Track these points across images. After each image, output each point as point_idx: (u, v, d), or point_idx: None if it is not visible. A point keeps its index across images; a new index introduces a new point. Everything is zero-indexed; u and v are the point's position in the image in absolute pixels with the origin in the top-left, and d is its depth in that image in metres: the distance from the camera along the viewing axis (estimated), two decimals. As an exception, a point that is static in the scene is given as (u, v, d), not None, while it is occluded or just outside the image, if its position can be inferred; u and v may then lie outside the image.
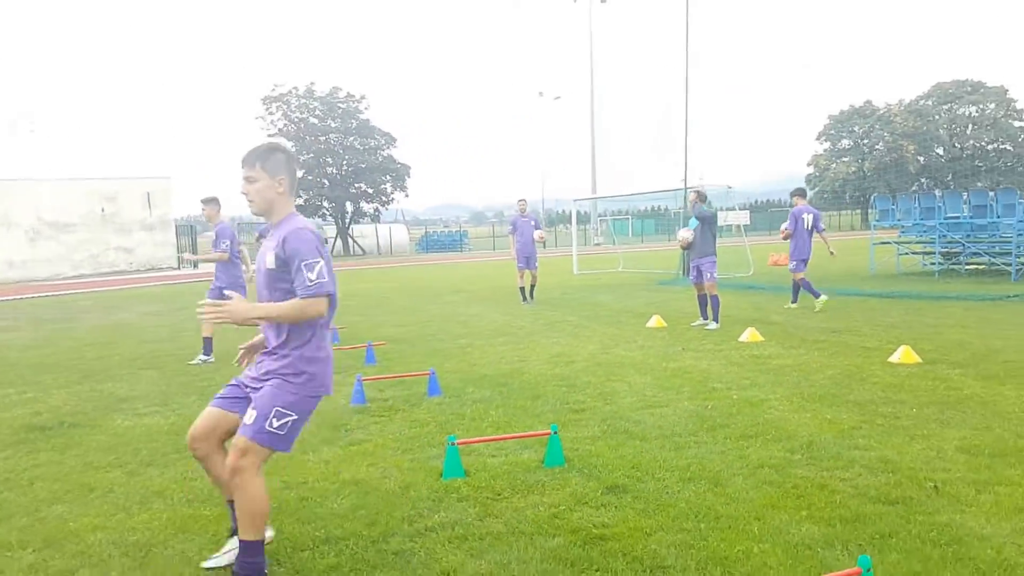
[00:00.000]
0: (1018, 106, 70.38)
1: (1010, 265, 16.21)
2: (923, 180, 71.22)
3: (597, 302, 14.66)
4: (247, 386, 3.32)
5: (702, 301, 10.75)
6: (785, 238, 12.43)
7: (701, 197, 11.10)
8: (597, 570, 3.32)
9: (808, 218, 12.23)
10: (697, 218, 10.73)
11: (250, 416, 3.15)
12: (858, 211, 71.82)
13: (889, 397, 6.15)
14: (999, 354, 7.76)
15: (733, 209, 23.19)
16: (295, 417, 3.18)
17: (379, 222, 53.20)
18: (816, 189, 72.15)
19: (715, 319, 10.42)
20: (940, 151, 72.38)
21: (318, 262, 3.13)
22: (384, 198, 50.86)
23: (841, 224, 69.22)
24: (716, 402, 6.16)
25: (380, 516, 3.99)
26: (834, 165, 70.68)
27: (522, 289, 14.60)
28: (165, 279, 26.88)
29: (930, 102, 71.57)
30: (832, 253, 13.18)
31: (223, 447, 3.33)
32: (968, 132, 71.84)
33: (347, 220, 50.78)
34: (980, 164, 70.70)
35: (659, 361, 8.04)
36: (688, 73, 19.99)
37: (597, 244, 48.55)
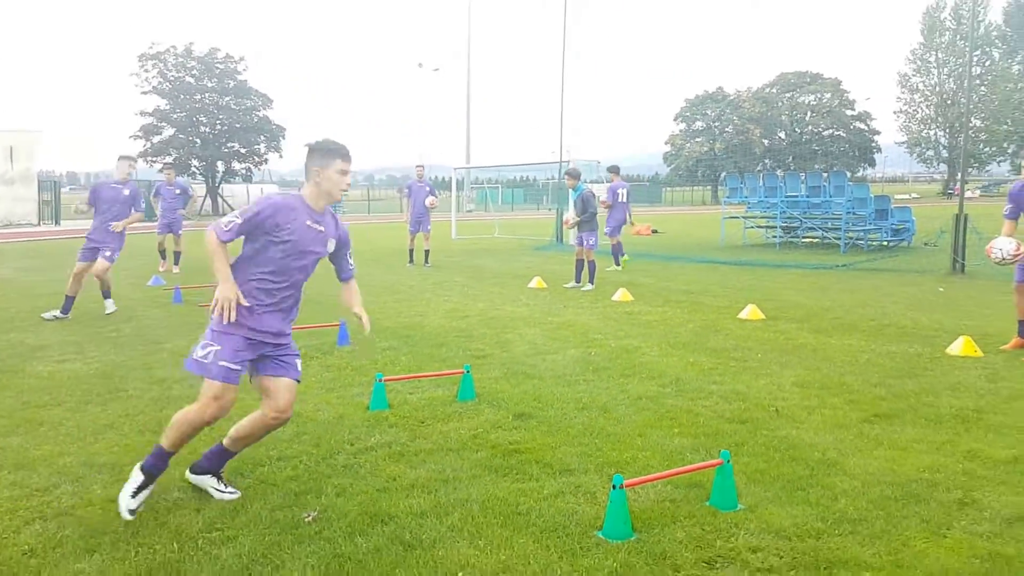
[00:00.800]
0: (850, 96, 76.74)
1: (839, 239, 18.31)
2: (767, 161, 76.53)
3: (479, 265, 15.39)
4: (265, 343, 3.63)
5: (579, 266, 11.70)
6: (606, 208, 14.26)
7: (574, 175, 11.99)
8: (517, 474, 4.05)
9: (623, 192, 14.39)
10: (579, 196, 11.57)
11: (297, 366, 3.75)
12: (709, 188, 76.31)
13: (739, 345, 7.25)
14: (828, 312, 9.13)
15: (600, 182, 24.53)
16: None
17: (251, 182, 51.72)
18: (672, 166, 76.10)
19: (591, 281, 11.40)
20: (782, 135, 77.93)
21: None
22: (257, 158, 49.70)
23: (694, 199, 73.37)
24: (598, 349, 7.05)
25: (323, 440, 4.55)
26: (689, 145, 74.58)
27: (411, 252, 15.03)
28: (28, 235, 25.24)
29: (774, 90, 76.80)
30: (631, 224, 14.98)
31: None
32: (807, 119, 77.68)
33: (217, 179, 49.17)
34: (817, 148, 76.68)
35: (544, 316, 8.89)
36: (565, 54, 20.91)
37: (469, 211, 49.27)
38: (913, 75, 76.34)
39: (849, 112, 76.96)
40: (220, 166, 49.32)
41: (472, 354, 6.81)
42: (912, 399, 5.41)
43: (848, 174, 19.94)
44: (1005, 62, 76.89)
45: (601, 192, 15.37)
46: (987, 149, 75.38)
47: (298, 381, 3.76)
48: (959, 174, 16.41)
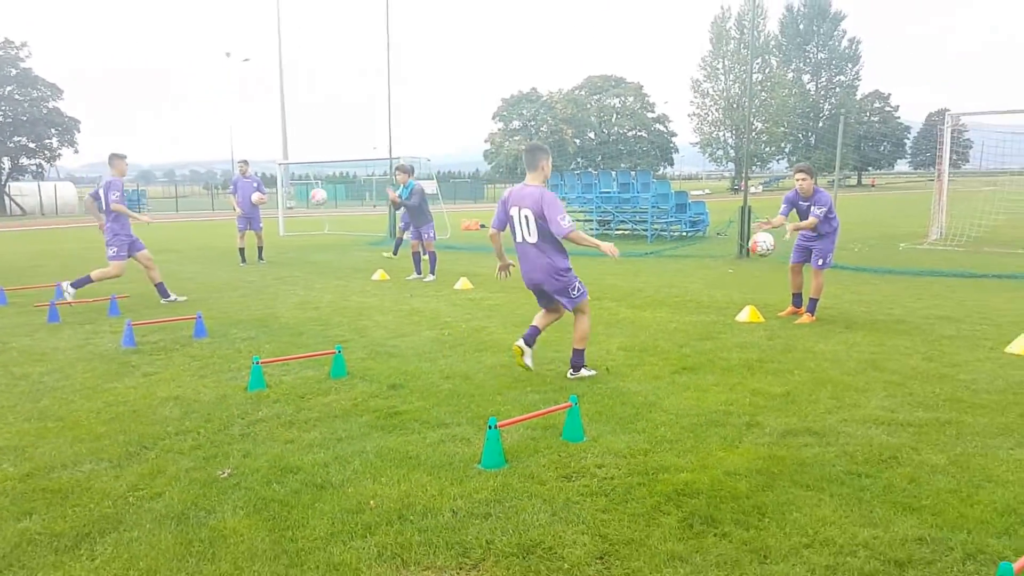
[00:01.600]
0: (651, 100, 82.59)
1: (646, 230, 20.21)
2: (580, 160, 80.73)
3: (317, 260, 15.64)
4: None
5: (416, 258, 12.34)
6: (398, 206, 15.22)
7: (406, 170, 12.39)
8: (401, 430, 4.70)
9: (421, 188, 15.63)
10: (411, 192, 12.07)
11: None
12: (526, 185, 79.24)
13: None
14: (641, 292, 10.43)
15: (432, 178, 25.30)
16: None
17: (43, 180, 47.49)
18: (493, 164, 78.28)
19: (432, 272, 12.09)
20: (592, 135, 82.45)
21: None
22: (49, 153, 45.69)
23: (512, 197, 75.90)
24: (450, 331, 7.79)
25: (213, 416, 4.97)
26: (507, 143, 77.13)
27: (241, 251, 14.84)
28: None
29: (583, 92, 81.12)
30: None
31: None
32: (614, 120, 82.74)
33: (3, 177, 44.73)
34: (623, 148, 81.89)
35: (394, 305, 9.50)
36: (389, 53, 21.39)
37: (289, 208, 48.21)
38: (704, 81, 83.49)
39: (650, 115, 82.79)
40: (6, 163, 45.07)
41: (333, 339, 7.31)
42: (710, 355, 6.60)
43: (652, 173, 21.90)
44: (782, 69, 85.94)
45: (429, 187, 16.13)
46: (767, 149, 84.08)
47: None
48: (743, 171, 18.66)
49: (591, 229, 21.96)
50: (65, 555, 3.13)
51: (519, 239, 5.71)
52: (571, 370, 5.89)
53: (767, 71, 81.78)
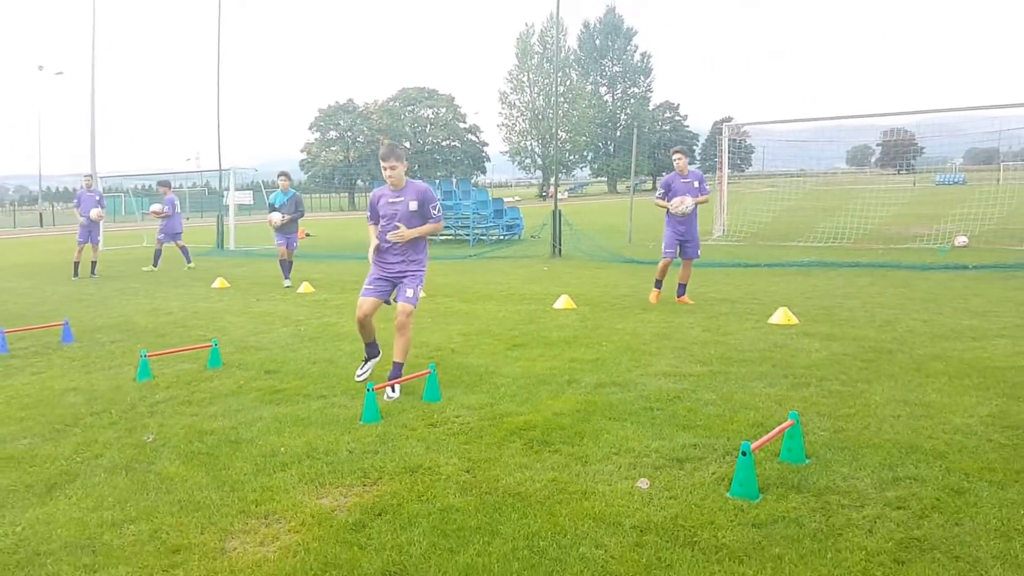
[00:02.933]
0: (462, 111, 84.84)
1: (468, 235, 21.60)
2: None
3: (150, 273, 15.53)
4: (389, 279, 6.01)
5: (284, 265, 12.75)
6: (164, 217, 16.12)
7: (289, 176, 13.10)
8: (287, 402, 5.56)
9: (177, 203, 16.49)
10: (292, 198, 12.53)
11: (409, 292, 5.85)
12: (346, 194, 78.82)
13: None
14: (470, 288, 11.68)
15: (244, 189, 25.21)
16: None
17: None
18: (310, 174, 77.10)
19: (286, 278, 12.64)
20: (408, 145, 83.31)
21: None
22: None
23: (331, 205, 75.32)
24: (305, 326, 8.61)
25: (115, 401, 5.58)
26: (324, 153, 76.29)
27: (76, 264, 14.62)
28: None
29: (398, 103, 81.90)
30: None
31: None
32: (428, 131, 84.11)
33: None
34: (438, 157, 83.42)
35: (244, 308, 10.10)
36: (219, 64, 21.27)
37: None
38: (511, 93, 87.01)
39: (462, 125, 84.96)
40: None
41: (196, 339, 7.91)
42: (534, 335, 7.92)
43: (471, 182, 23.34)
44: (582, 82, 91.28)
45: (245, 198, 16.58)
46: (571, 157, 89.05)
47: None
48: (551, 178, 20.46)
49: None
50: (45, 497, 3.82)
51: None
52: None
53: (568, 83, 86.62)
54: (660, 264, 9.92)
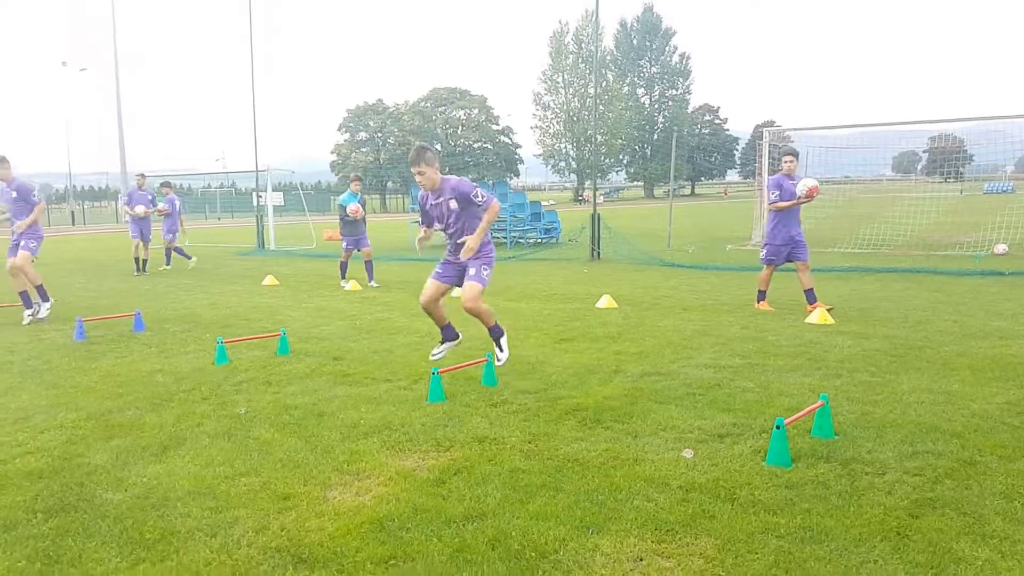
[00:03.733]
0: (495, 112, 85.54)
1: (505, 238, 22.13)
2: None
3: (195, 270, 16.29)
4: (456, 265, 6.14)
5: (343, 267, 13.04)
6: (165, 215, 16.54)
7: (358, 179, 13.36)
8: (358, 384, 6.09)
9: (178, 202, 17.06)
10: (359, 200, 12.81)
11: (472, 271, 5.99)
12: (377, 196, 79.93)
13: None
14: (512, 288, 12.19)
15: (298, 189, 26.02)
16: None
17: None
18: (340, 175, 78.28)
19: (371, 279, 12.87)
20: (439, 147, 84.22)
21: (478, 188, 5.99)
22: None
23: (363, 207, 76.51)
24: (359, 321, 9.19)
25: (201, 380, 6.18)
26: (354, 154, 77.49)
27: (137, 260, 15.49)
28: None
29: (429, 104, 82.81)
30: (184, 231, 17.75)
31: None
32: (459, 132, 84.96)
33: None
34: (469, 159, 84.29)
35: (297, 304, 10.77)
36: (253, 62, 22.11)
37: (127, 221, 46.66)
38: (545, 94, 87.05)
39: (495, 127, 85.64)
40: None
41: (260, 330, 8.51)
42: (580, 330, 8.40)
43: (508, 184, 23.86)
44: (618, 83, 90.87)
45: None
46: (607, 160, 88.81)
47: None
48: (586, 182, 20.88)
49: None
50: (161, 456, 4.40)
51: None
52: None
53: (604, 85, 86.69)
54: (763, 274, 9.66)
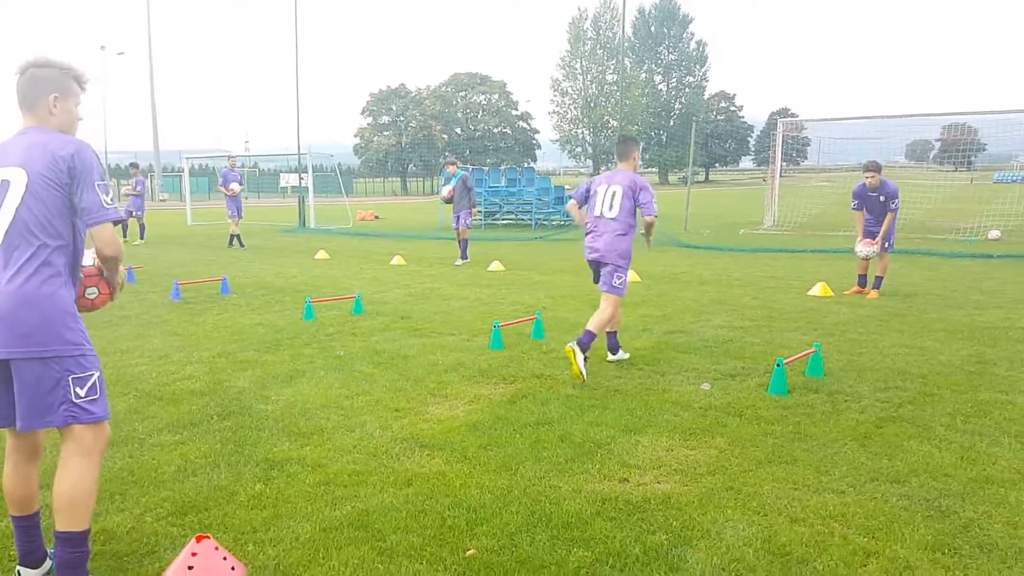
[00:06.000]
0: (514, 98, 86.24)
1: (530, 220, 23.25)
2: (447, 155, 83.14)
3: (253, 246, 17.55)
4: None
5: (462, 244, 13.76)
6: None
7: (454, 161, 14.06)
8: (427, 336, 7.26)
9: (146, 183, 19.08)
10: (460, 179, 13.51)
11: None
12: (398, 179, 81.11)
13: (501, 281, 10.99)
14: (543, 264, 13.33)
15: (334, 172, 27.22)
16: None
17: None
18: (363, 159, 79.48)
19: (463, 256, 13.63)
20: (459, 131, 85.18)
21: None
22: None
23: (385, 190, 77.67)
24: (412, 290, 10.37)
25: (298, 331, 7.36)
26: (377, 138, 78.53)
27: (232, 236, 16.95)
28: None
29: (450, 89, 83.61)
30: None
31: None
32: (480, 117, 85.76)
33: None
34: (489, 144, 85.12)
35: (352, 275, 11.96)
36: (298, 44, 23.22)
37: (162, 200, 48.02)
38: (563, 80, 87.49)
39: (514, 112, 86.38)
40: None
41: (331, 294, 9.69)
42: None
43: (535, 169, 24.92)
44: (636, 70, 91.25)
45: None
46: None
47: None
48: (601, 168, 21.87)
49: (479, 220, 24.83)
50: (289, 383, 5.61)
51: (598, 212, 6.32)
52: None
53: (621, 71, 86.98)
54: (884, 262, 9.69)
